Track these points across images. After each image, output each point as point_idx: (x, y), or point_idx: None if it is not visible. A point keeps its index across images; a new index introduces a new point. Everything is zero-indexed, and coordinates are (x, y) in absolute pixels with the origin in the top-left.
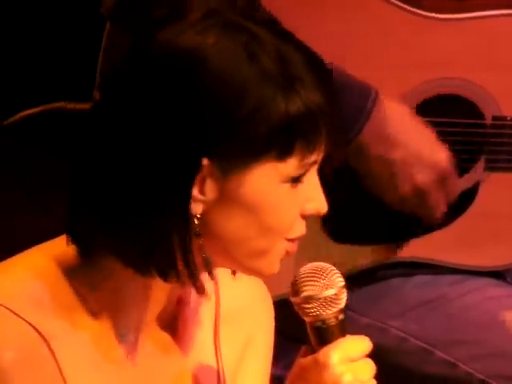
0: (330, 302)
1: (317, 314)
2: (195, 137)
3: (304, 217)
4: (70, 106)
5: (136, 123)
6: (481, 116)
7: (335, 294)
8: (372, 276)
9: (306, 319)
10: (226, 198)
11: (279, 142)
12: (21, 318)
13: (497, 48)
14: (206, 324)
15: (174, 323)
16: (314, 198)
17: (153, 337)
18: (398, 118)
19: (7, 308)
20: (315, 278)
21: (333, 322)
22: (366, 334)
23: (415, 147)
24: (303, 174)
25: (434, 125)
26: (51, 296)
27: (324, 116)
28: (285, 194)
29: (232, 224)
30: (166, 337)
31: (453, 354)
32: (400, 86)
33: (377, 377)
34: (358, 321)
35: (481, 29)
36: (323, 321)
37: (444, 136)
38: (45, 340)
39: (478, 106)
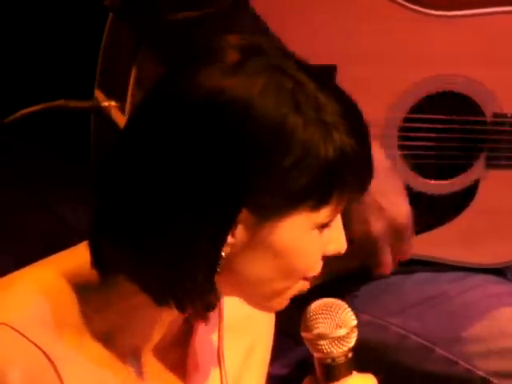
0: (342, 340)
1: (327, 352)
2: (238, 188)
3: (324, 257)
4: (71, 103)
5: (176, 167)
6: (481, 113)
7: (347, 333)
8: (368, 274)
9: (316, 355)
10: (254, 242)
11: (318, 191)
12: (28, 339)
13: (496, 45)
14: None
15: (179, 342)
16: (336, 239)
17: (158, 357)
18: None
19: (14, 329)
20: (328, 316)
21: (342, 360)
22: (367, 332)
23: (378, 196)
24: (332, 220)
25: (434, 122)
26: (59, 316)
27: (359, 163)
28: (312, 240)
29: (256, 266)
30: (171, 356)
31: (453, 351)
32: (399, 83)
33: (377, 374)
34: (359, 318)
35: (480, 26)
36: (333, 358)
37: (444, 133)
38: (51, 362)
39: (478, 103)
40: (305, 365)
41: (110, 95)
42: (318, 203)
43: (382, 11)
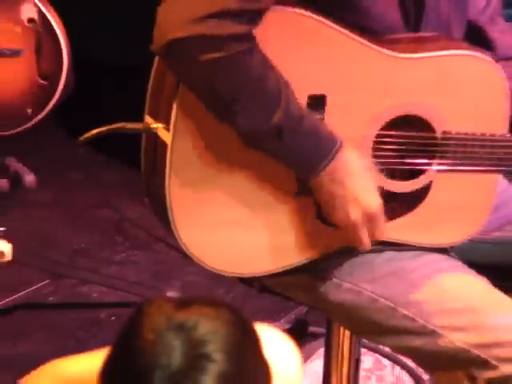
0: None
1: None
2: None
3: None
4: (129, 125)
5: None
6: (433, 131)
7: None
8: (353, 251)
9: None
10: None
11: None
12: None
13: (447, 79)
14: None
15: None
16: None
17: None
18: (350, 168)
19: None
20: None
21: None
22: (347, 296)
23: (355, 191)
24: None
25: (399, 138)
26: None
27: None
28: None
29: None
30: None
31: (411, 310)
32: (372, 108)
33: (354, 328)
34: (341, 285)
35: (437, 64)
36: None
37: (406, 146)
38: None
39: (431, 124)
40: (302, 320)
41: (157, 119)
42: None
43: (360, 53)
